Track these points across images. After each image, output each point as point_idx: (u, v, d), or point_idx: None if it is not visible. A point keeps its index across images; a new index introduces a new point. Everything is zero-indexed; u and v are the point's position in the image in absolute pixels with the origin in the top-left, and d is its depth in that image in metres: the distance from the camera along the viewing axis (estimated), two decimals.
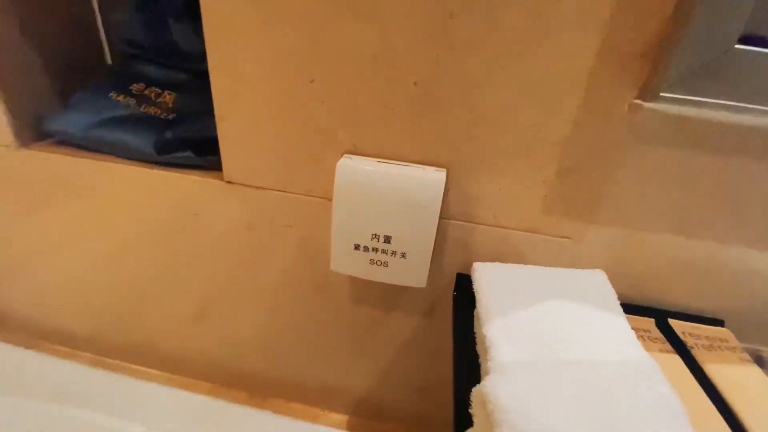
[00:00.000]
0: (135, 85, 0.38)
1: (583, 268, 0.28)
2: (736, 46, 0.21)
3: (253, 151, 0.31)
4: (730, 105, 0.22)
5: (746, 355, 0.27)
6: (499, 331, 0.23)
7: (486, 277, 0.27)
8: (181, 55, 0.38)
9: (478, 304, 0.26)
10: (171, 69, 0.39)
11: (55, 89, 0.39)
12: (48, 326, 0.46)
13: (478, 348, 0.25)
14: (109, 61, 0.44)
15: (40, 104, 0.37)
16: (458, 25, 0.24)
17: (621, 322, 0.24)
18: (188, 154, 0.34)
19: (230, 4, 0.26)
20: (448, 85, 0.26)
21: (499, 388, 0.18)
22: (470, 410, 0.21)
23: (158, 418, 0.42)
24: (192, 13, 0.33)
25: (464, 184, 0.29)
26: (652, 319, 0.30)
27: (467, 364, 0.24)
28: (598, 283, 0.27)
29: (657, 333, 0.28)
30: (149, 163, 0.34)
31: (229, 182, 0.33)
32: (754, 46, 0.21)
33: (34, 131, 0.36)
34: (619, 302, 0.25)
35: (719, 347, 0.28)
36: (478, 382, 0.23)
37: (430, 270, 0.30)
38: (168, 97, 0.38)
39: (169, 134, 0.35)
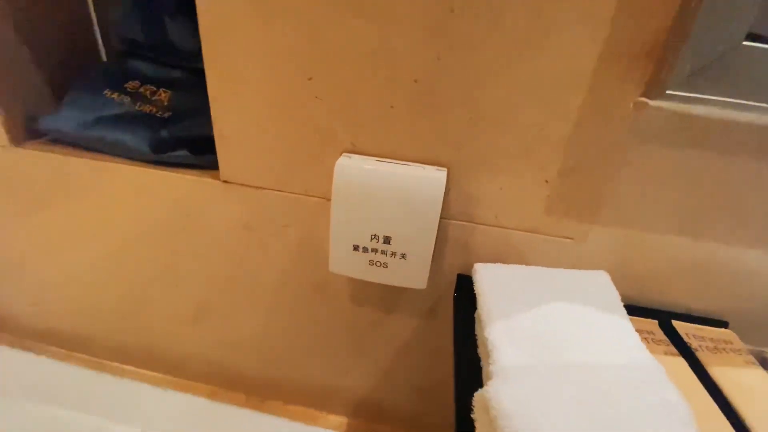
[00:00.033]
0: (130, 82, 0.37)
1: (586, 268, 0.27)
2: (744, 42, 0.20)
3: (251, 150, 0.30)
4: (737, 103, 0.22)
5: (751, 358, 0.27)
6: (501, 333, 0.22)
7: (487, 278, 0.26)
8: (176, 52, 0.37)
9: (479, 306, 0.25)
10: (167, 66, 0.38)
11: (48, 87, 0.38)
12: (43, 328, 0.46)
13: (480, 351, 0.25)
14: (104, 58, 0.43)
15: (33, 102, 0.37)
16: (459, 22, 0.23)
17: (625, 324, 0.24)
18: (184, 153, 0.34)
19: (226, 0, 0.25)
20: (449, 83, 0.25)
21: (502, 394, 0.18)
22: (472, 415, 0.21)
23: (156, 420, 0.41)
24: (188, 10, 0.33)
25: (465, 184, 0.28)
26: (656, 321, 0.29)
27: (468, 368, 0.24)
28: (601, 284, 0.27)
29: (661, 335, 0.28)
30: (144, 162, 0.34)
31: (225, 182, 0.32)
32: (763, 43, 0.21)
33: (28, 130, 0.36)
34: (622, 304, 0.25)
35: (724, 349, 0.27)
36: (480, 385, 0.22)
37: (431, 271, 0.29)
38: (163, 95, 0.37)
39: (164, 133, 0.34)
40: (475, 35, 0.24)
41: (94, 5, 0.41)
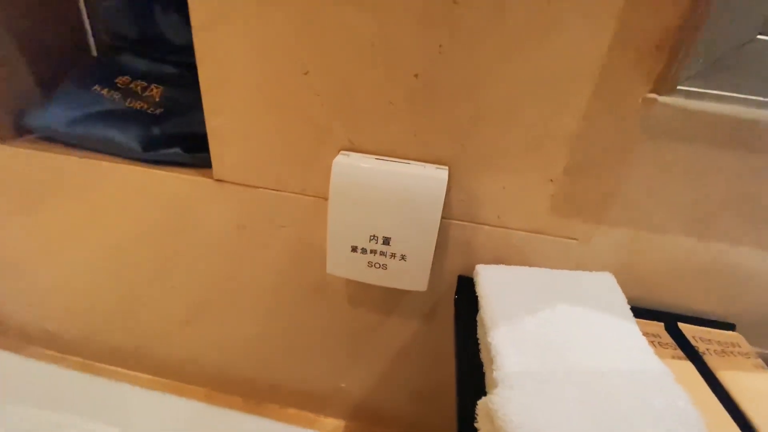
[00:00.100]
0: (120, 78, 0.36)
1: (590, 270, 0.27)
2: (759, 36, 0.19)
3: (245, 147, 0.29)
4: (751, 99, 0.21)
5: (760, 361, 0.26)
6: (505, 338, 0.21)
7: (489, 280, 0.26)
8: (168, 47, 0.36)
9: (481, 309, 0.24)
10: (158, 61, 0.37)
11: (37, 83, 0.37)
12: (35, 330, 0.45)
13: (482, 355, 0.24)
14: (94, 53, 0.42)
15: (21, 99, 0.36)
16: (462, 13, 0.22)
17: (632, 327, 0.23)
18: (176, 150, 0.33)
19: None
20: (451, 78, 0.24)
21: (507, 404, 0.17)
22: (476, 424, 0.20)
23: (150, 424, 0.41)
24: (179, 3, 0.32)
25: (467, 183, 0.27)
26: (662, 323, 0.29)
27: (471, 374, 0.23)
28: (606, 286, 0.26)
29: (667, 338, 0.27)
30: (135, 160, 0.33)
31: (219, 180, 0.31)
32: None
33: (15, 127, 0.35)
34: (629, 307, 0.24)
35: (731, 353, 0.27)
36: (483, 391, 0.22)
37: (431, 272, 0.28)
38: (155, 91, 0.36)
39: (155, 130, 0.33)
40: (479, 27, 0.23)
41: None
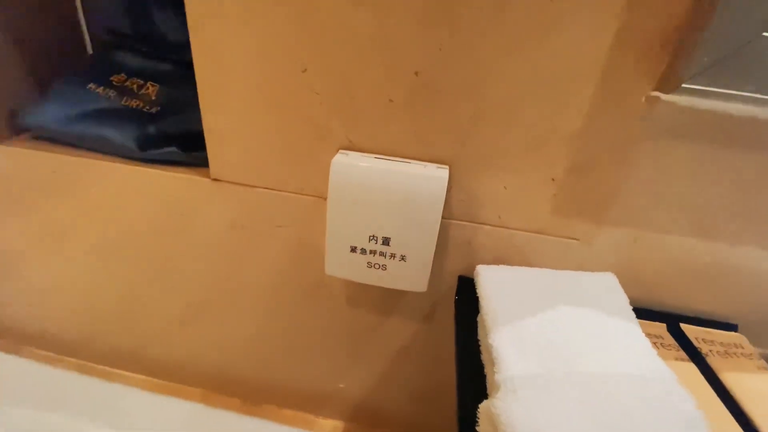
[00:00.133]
0: (116, 75, 0.36)
1: (592, 270, 0.27)
2: (765, 34, 0.19)
3: (242, 146, 0.29)
4: (757, 98, 0.20)
5: (763, 362, 0.26)
6: (507, 340, 0.21)
7: (490, 281, 0.25)
8: (165, 44, 0.36)
9: (482, 310, 0.24)
10: (154, 59, 0.37)
11: (31, 81, 0.37)
12: (31, 331, 0.44)
13: (483, 357, 0.24)
14: (90, 50, 0.42)
15: (14, 97, 0.35)
16: (463, 9, 0.22)
17: (634, 328, 0.23)
18: (172, 149, 0.32)
19: None
20: (452, 75, 0.24)
21: (511, 410, 0.17)
22: (477, 428, 0.20)
23: (148, 426, 0.40)
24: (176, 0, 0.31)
25: (468, 182, 0.27)
26: (664, 324, 0.28)
27: (471, 375, 0.23)
28: (608, 287, 0.26)
29: (670, 339, 0.27)
30: (131, 159, 0.32)
31: (216, 180, 0.31)
32: None
33: (9, 126, 0.34)
34: (631, 308, 0.24)
35: (734, 354, 0.26)
36: (484, 393, 0.21)
37: (431, 273, 0.28)
38: (151, 89, 0.35)
39: (151, 128, 0.33)
40: (480, 23, 0.22)
41: None
